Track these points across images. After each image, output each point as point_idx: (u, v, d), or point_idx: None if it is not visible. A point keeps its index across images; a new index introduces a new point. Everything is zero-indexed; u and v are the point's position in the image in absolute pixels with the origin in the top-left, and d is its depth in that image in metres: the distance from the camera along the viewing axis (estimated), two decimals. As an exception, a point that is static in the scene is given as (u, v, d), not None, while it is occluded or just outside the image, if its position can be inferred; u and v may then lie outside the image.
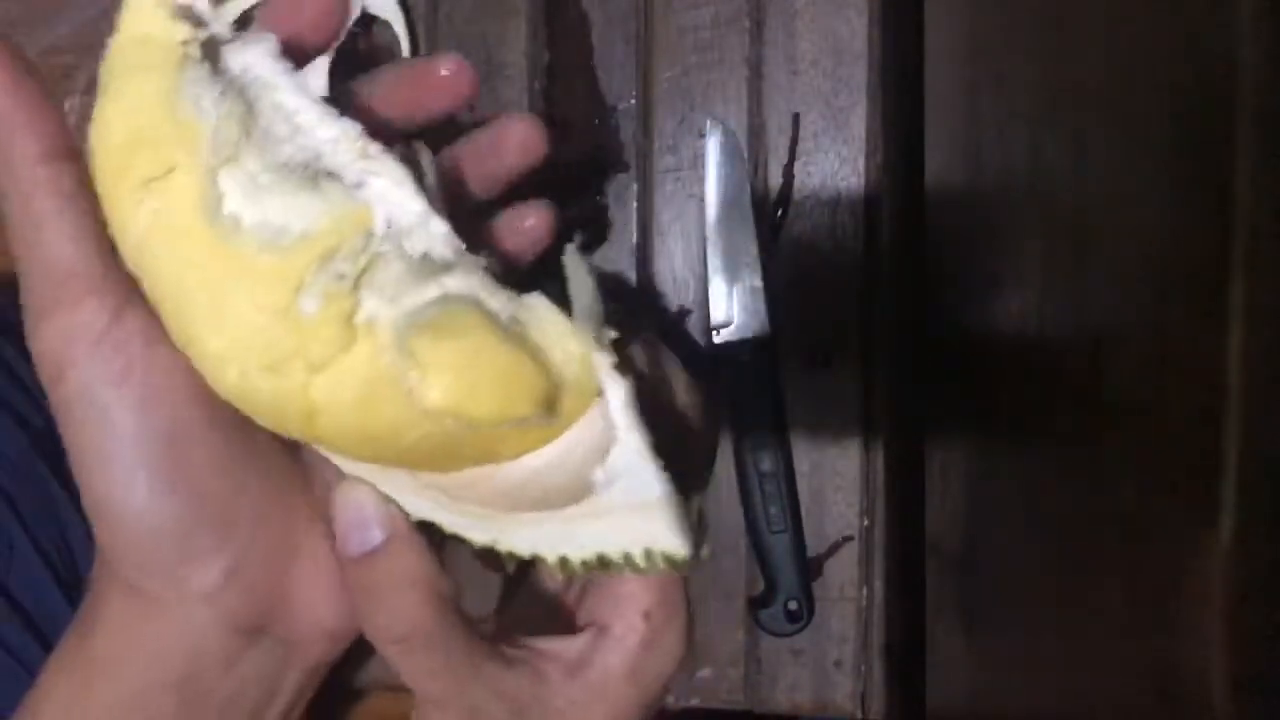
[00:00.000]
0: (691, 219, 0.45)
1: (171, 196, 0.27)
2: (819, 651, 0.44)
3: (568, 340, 0.28)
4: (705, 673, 0.45)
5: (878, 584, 0.44)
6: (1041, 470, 0.26)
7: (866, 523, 0.44)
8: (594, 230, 0.46)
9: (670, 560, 0.29)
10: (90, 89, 0.41)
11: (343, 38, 0.31)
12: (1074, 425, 0.24)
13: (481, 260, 0.29)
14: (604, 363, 0.28)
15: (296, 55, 0.29)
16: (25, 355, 0.44)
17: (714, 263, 0.44)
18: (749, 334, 0.44)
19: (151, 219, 0.27)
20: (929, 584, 0.38)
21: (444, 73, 0.31)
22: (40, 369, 0.28)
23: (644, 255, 0.45)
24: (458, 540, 0.31)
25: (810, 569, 0.44)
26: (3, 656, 0.41)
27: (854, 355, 0.44)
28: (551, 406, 0.28)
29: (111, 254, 0.27)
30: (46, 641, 0.41)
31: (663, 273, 0.45)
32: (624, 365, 0.29)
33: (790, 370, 0.44)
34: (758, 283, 0.44)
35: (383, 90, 0.31)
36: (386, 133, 0.29)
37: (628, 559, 0.29)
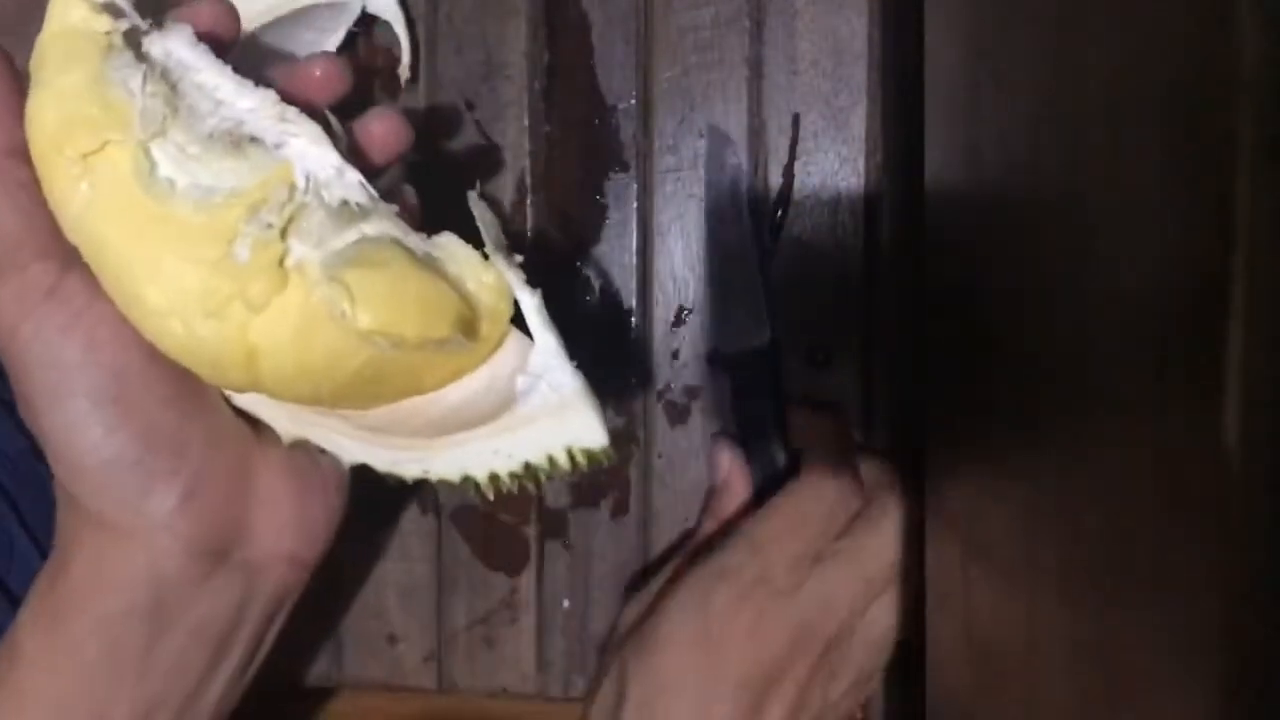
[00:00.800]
0: (691, 219, 0.45)
1: (107, 169, 0.29)
2: (819, 651, 0.44)
3: (479, 270, 0.31)
4: (705, 672, 0.45)
5: (878, 584, 0.44)
6: (1042, 471, 0.26)
7: (866, 522, 0.44)
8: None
9: (589, 454, 0.31)
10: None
11: (242, 37, 0.34)
12: (1074, 424, 0.24)
13: (394, 206, 0.31)
14: (515, 278, 0.31)
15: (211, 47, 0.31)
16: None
17: (711, 271, 0.45)
18: (749, 341, 0.44)
19: (89, 192, 0.29)
20: (929, 584, 0.38)
21: (317, 74, 0.34)
22: None
23: (644, 255, 0.45)
24: (393, 477, 0.32)
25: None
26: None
27: (854, 355, 0.44)
28: (469, 328, 0.31)
29: (55, 228, 0.30)
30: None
31: (663, 273, 0.45)
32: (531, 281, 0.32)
33: (790, 370, 0.44)
34: (758, 292, 0.44)
35: (283, 83, 0.33)
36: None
37: (552, 461, 0.32)
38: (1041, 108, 0.26)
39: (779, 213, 0.44)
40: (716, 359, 0.45)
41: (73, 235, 0.30)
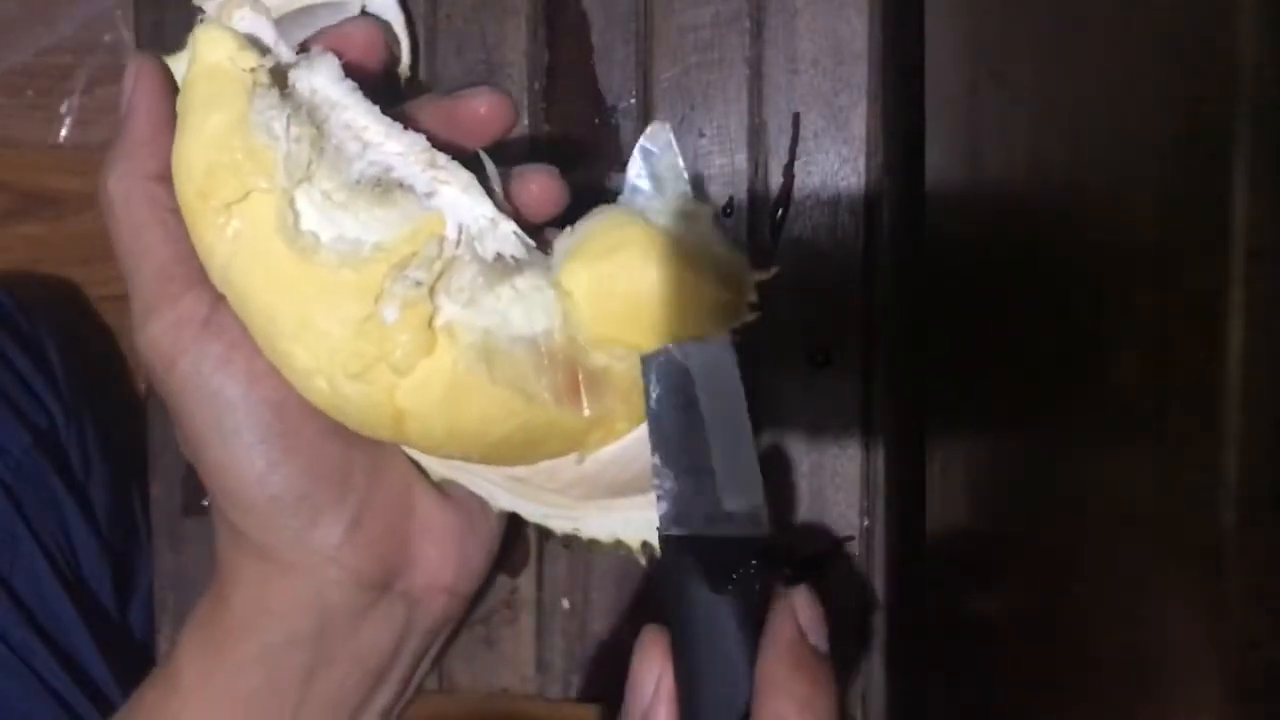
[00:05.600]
0: (692, 219, 0.45)
1: (251, 219, 0.28)
2: (819, 651, 0.44)
3: None
4: (705, 672, 0.45)
5: (878, 584, 0.44)
6: (1042, 471, 0.26)
7: (866, 523, 0.44)
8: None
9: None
10: (89, 88, 0.41)
11: (391, 62, 0.32)
12: (1075, 425, 0.24)
13: (550, 259, 0.30)
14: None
15: (360, 80, 0.30)
16: (28, 354, 0.44)
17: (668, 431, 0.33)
18: (735, 527, 0.31)
19: (234, 242, 0.28)
20: (929, 584, 0.38)
21: (482, 110, 0.32)
22: (151, 362, 0.30)
23: (644, 255, 0.45)
24: (541, 530, 0.32)
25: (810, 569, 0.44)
26: (6, 653, 0.41)
27: (854, 355, 0.44)
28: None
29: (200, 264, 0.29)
30: (49, 638, 0.41)
31: (663, 272, 0.45)
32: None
33: (790, 370, 0.44)
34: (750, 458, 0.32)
35: (425, 122, 0.32)
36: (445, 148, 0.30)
37: None
38: (1042, 107, 0.26)
39: (779, 213, 0.44)
40: (677, 548, 0.30)
41: (220, 286, 0.29)
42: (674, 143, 0.30)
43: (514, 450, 0.30)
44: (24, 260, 0.48)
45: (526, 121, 0.46)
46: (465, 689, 0.47)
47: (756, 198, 0.44)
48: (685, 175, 0.30)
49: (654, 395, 0.30)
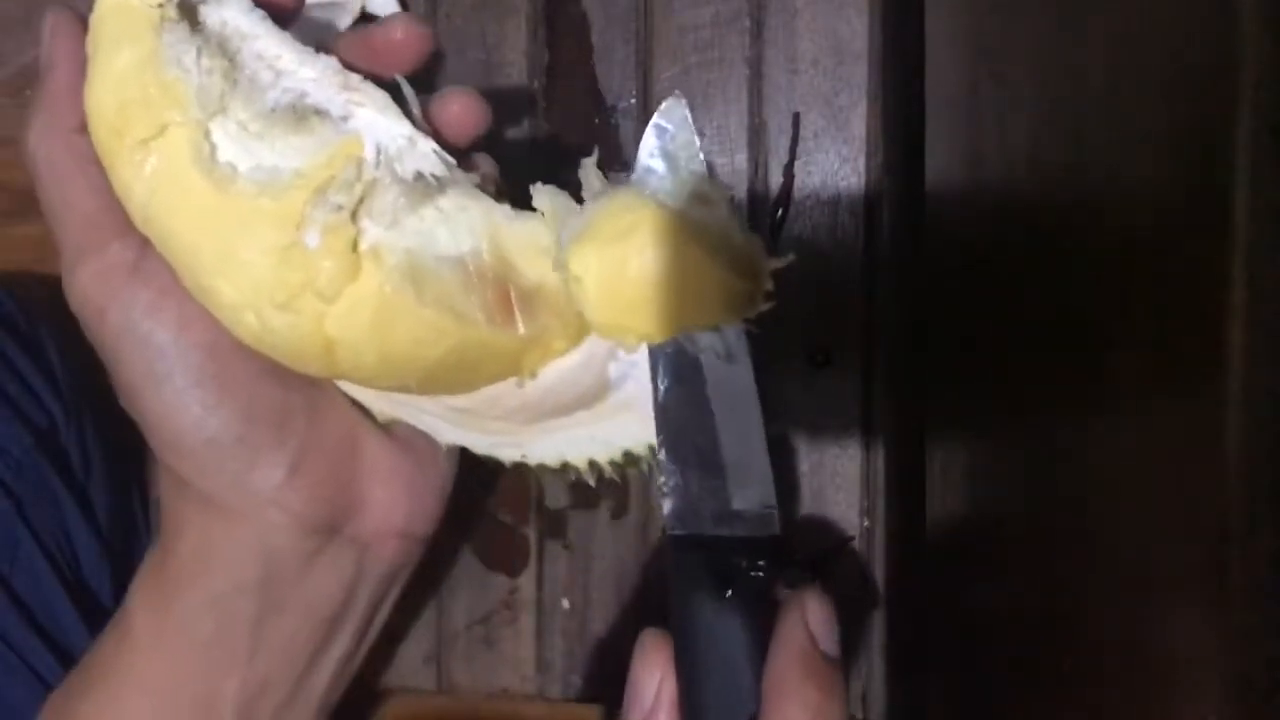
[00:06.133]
0: (692, 219, 0.45)
1: (167, 155, 0.28)
2: (819, 651, 0.44)
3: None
4: (706, 672, 0.45)
5: (878, 584, 0.44)
6: (1042, 471, 0.26)
7: (866, 523, 0.44)
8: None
9: None
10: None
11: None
12: (1075, 425, 0.24)
13: (474, 176, 0.29)
14: None
15: (272, 15, 0.30)
16: (29, 354, 0.44)
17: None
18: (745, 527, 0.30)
19: (152, 179, 0.28)
20: (929, 584, 0.38)
21: (398, 36, 0.32)
22: (82, 313, 0.30)
23: (644, 255, 0.45)
24: (490, 460, 0.31)
25: (810, 570, 0.44)
26: (6, 654, 0.41)
27: (854, 355, 0.44)
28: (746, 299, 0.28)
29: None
30: (50, 639, 0.41)
31: (663, 272, 0.45)
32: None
33: (790, 370, 0.44)
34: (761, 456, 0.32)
35: (344, 54, 0.32)
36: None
37: (653, 450, 0.30)
38: (1042, 107, 0.26)
39: (779, 213, 0.44)
40: (683, 548, 0.29)
41: (141, 225, 0.29)
42: (689, 119, 0.29)
43: (450, 375, 0.29)
44: (24, 260, 0.48)
45: (526, 121, 0.46)
46: (465, 689, 0.47)
47: (756, 198, 0.44)
48: (701, 155, 0.29)
49: (662, 387, 0.29)
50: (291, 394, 0.31)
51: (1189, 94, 0.17)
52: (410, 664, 0.48)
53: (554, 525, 0.46)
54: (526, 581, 0.47)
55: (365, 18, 0.46)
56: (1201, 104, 0.17)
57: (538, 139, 0.46)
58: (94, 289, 0.29)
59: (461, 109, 0.32)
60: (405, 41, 0.32)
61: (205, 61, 0.28)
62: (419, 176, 0.29)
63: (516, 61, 0.46)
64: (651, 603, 0.45)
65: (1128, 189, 0.20)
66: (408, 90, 0.31)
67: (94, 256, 0.29)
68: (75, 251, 0.30)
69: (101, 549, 0.44)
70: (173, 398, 0.29)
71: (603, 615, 0.46)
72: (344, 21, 0.46)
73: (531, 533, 0.47)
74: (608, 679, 0.46)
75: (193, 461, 0.30)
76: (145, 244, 0.29)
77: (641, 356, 0.29)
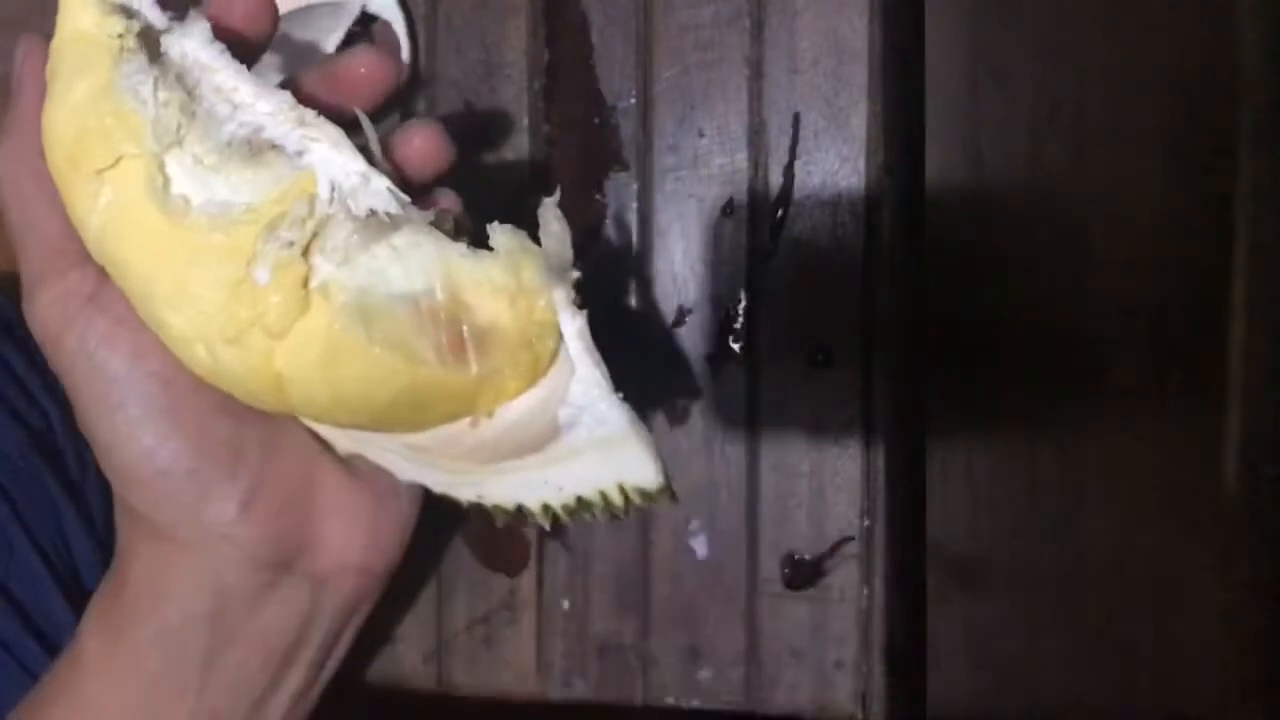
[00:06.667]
0: (691, 219, 0.45)
1: (122, 186, 0.28)
2: (819, 652, 0.44)
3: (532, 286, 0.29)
4: (705, 673, 0.45)
5: (878, 584, 0.44)
6: (1043, 469, 0.26)
7: (866, 523, 0.44)
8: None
9: (644, 493, 0.29)
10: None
11: (275, 35, 0.32)
12: (1075, 425, 0.24)
13: (429, 214, 0.29)
14: (561, 298, 0.29)
15: (237, 49, 0.30)
16: (25, 355, 0.44)
17: None
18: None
19: (107, 210, 0.28)
20: (929, 584, 0.38)
21: (361, 70, 0.32)
22: (40, 339, 0.30)
23: (644, 255, 0.45)
24: (446, 499, 0.31)
25: (810, 570, 0.44)
26: (2, 655, 0.41)
27: (854, 355, 0.44)
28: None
29: None
30: (46, 641, 0.41)
31: (663, 272, 0.45)
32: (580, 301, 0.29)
33: (790, 370, 0.44)
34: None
35: (309, 87, 0.32)
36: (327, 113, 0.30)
37: (605, 497, 0.30)
38: (1041, 107, 0.26)
39: (779, 213, 0.44)
40: None
41: (96, 255, 0.28)
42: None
43: (403, 414, 0.29)
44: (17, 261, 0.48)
45: (526, 122, 0.46)
46: (465, 689, 0.47)
47: (756, 198, 0.44)
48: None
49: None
50: (246, 429, 0.31)
51: (1189, 94, 0.17)
52: (410, 664, 0.47)
53: (554, 526, 0.46)
54: (526, 581, 0.47)
55: (366, 18, 0.46)
56: (1201, 104, 0.17)
57: (537, 139, 0.46)
58: (51, 315, 0.29)
59: (423, 143, 0.32)
60: (368, 77, 0.32)
61: (162, 94, 0.28)
62: (372, 214, 0.29)
63: (516, 61, 0.46)
64: (652, 602, 0.45)
65: (1128, 189, 0.20)
66: (367, 125, 0.31)
67: (53, 282, 0.29)
68: (35, 277, 0.30)
69: (97, 549, 0.44)
70: (125, 427, 0.30)
71: (603, 615, 0.46)
72: (345, 21, 0.46)
73: (531, 534, 0.47)
74: (608, 679, 0.46)
75: (144, 492, 0.30)
76: (104, 273, 0.29)
77: (589, 402, 0.29)
